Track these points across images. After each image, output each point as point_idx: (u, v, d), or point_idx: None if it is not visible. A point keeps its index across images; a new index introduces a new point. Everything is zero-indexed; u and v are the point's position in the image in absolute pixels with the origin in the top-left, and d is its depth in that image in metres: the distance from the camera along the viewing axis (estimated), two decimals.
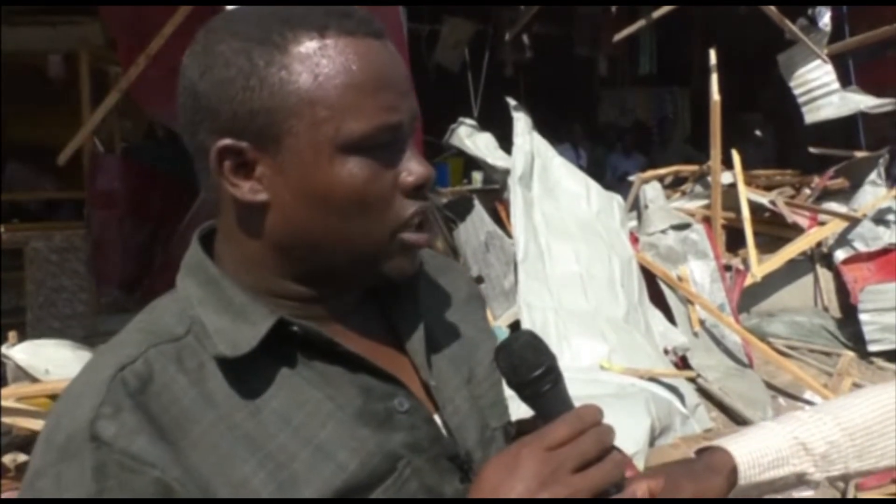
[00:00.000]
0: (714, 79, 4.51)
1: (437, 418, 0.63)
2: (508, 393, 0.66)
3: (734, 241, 4.77)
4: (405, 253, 0.61)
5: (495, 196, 4.76)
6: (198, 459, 0.54)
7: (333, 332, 0.60)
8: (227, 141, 0.57)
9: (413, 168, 0.60)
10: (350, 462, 0.57)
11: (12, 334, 2.97)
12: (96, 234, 4.19)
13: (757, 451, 0.73)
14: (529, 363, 0.58)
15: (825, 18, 4.75)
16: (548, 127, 5.28)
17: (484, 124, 4.94)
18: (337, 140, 0.57)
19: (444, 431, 0.63)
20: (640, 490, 0.65)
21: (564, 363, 3.43)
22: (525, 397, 0.59)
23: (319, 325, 0.60)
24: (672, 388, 3.31)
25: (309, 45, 0.56)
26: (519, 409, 0.67)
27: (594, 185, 4.47)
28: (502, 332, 4.04)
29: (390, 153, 0.59)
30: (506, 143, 4.49)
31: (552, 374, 0.58)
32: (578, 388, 3.12)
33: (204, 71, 0.57)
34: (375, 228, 0.59)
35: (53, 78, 5.09)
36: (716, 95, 4.50)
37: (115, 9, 3.84)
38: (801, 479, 0.75)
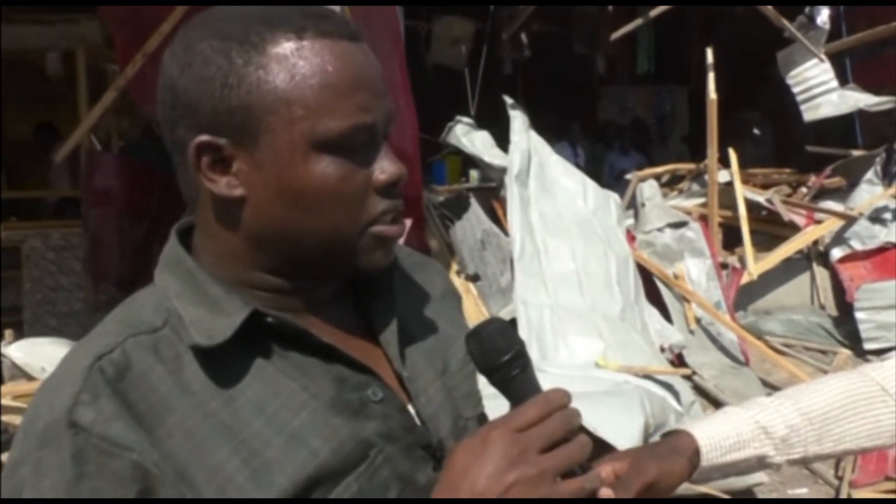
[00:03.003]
0: (711, 77, 4.52)
1: (410, 408, 0.64)
2: (492, 392, 0.67)
3: (731, 239, 4.77)
4: (378, 246, 0.62)
5: (492, 194, 4.77)
6: (174, 446, 0.55)
7: (308, 324, 0.62)
8: (205, 137, 0.58)
9: (386, 166, 0.61)
10: (322, 449, 0.58)
11: (9, 332, 2.98)
12: (93, 231, 4.20)
13: (719, 434, 0.75)
14: (499, 348, 0.59)
15: (823, 16, 4.75)
16: (546, 125, 5.29)
17: (482, 122, 4.95)
18: (312, 138, 0.58)
19: (417, 421, 0.64)
20: (604, 471, 0.67)
21: (560, 360, 3.46)
22: (495, 382, 0.60)
23: (295, 316, 0.61)
24: (667, 386, 3.32)
25: (286, 46, 0.58)
26: (504, 408, 0.68)
27: (591, 184, 4.47)
28: None
29: (364, 152, 0.60)
30: (503, 141, 4.49)
31: (521, 359, 0.60)
32: (573, 385, 3.12)
33: (184, 68, 0.59)
34: (348, 224, 0.60)
35: (51, 76, 5.10)
36: (713, 94, 4.50)
37: (113, 7, 3.84)
38: (762, 462, 0.77)
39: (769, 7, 4.63)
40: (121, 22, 3.85)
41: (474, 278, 4.21)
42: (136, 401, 0.55)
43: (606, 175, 6.50)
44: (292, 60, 0.58)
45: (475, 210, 4.32)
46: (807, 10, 4.81)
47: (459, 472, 0.55)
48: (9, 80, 5.09)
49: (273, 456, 0.57)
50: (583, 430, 0.59)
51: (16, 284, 4.50)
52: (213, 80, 0.57)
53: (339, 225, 0.60)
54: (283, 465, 0.57)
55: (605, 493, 0.62)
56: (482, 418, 0.69)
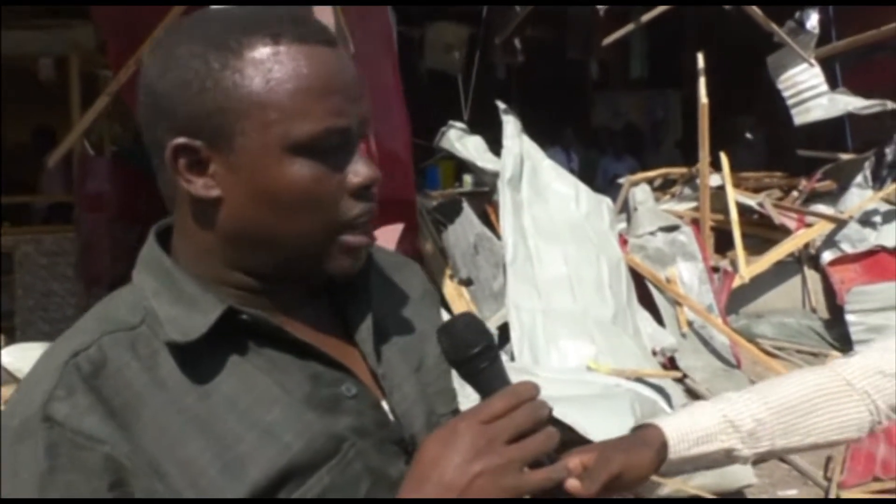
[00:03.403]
0: (702, 82, 4.55)
1: (384, 404, 0.66)
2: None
3: (723, 242, 4.80)
4: (348, 253, 0.64)
5: (485, 199, 4.78)
6: (148, 440, 0.56)
7: (283, 322, 0.63)
8: (182, 139, 0.60)
9: (360, 169, 0.62)
10: (295, 443, 0.59)
11: (1, 338, 2.98)
12: (85, 236, 4.20)
13: (686, 428, 0.77)
14: (468, 342, 0.61)
15: (812, 21, 4.79)
16: (540, 130, 5.31)
17: (476, 128, 4.97)
18: (286, 141, 0.59)
19: (391, 417, 0.65)
20: (572, 463, 0.69)
21: (552, 364, 3.46)
22: (464, 375, 0.62)
23: (270, 315, 0.63)
24: (658, 389, 3.33)
25: (262, 51, 0.59)
26: None
27: (583, 188, 4.49)
28: None
29: (339, 156, 0.62)
30: (497, 146, 4.51)
31: (490, 352, 0.61)
32: (564, 389, 3.14)
33: (163, 72, 0.60)
34: (321, 227, 0.62)
35: (45, 81, 5.11)
36: (703, 98, 4.53)
37: (106, 11, 3.85)
38: (729, 456, 0.78)
39: (758, 11, 4.66)
40: (114, 27, 3.86)
41: (467, 282, 4.21)
42: (111, 396, 0.56)
43: (600, 180, 6.52)
44: (268, 65, 0.59)
45: (468, 214, 4.34)
46: (797, 14, 4.85)
47: (428, 462, 0.56)
48: (4, 86, 5.10)
49: (246, 450, 0.58)
50: (554, 423, 0.60)
51: (8, 290, 4.49)
52: (190, 83, 0.59)
53: (312, 227, 0.61)
54: (256, 459, 0.58)
55: (572, 483, 0.63)
56: (456, 414, 0.70)
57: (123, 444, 0.55)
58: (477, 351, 0.60)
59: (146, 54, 0.63)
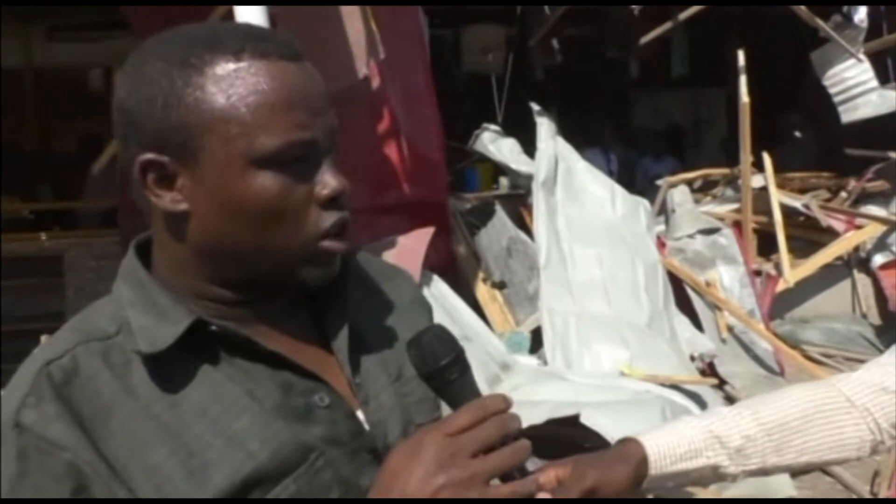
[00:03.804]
0: (743, 80, 4.43)
1: (360, 414, 0.66)
2: None
3: (767, 245, 4.65)
4: (323, 261, 0.64)
5: (521, 201, 4.75)
6: (115, 446, 0.58)
7: (257, 333, 0.64)
8: (149, 155, 0.62)
9: (328, 181, 0.63)
10: (261, 452, 0.60)
11: (45, 338, 3.10)
12: (128, 241, 4.34)
13: (670, 443, 0.75)
14: (437, 354, 0.61)
15: (861, 14, 4.60)
16: (578, 131, 5.24)
17: (511, 129, 4.94)
18: (249, 155, 0.61)
19: (366, 426, 0.66)
20: (545, 476, 0.68)
21: (585, 368, 3.40)
22: (434, 387, 0.62)
23: (243, 326, 0.64)
24: (694, 396, 3.25)
25: (225, 67, 0.61)
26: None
27: (619, 190, 4.42)
28: (524, 338, 4.02)
29: (304, 168, 0.63)
30: (533, 147, 4.48)
31: (459, 364, 0.61)
32: (594, 394, 3.09)
33: (131, 89, 0.63)
34: (291, 238, 0.63)
35: (94, 91, 5.31)
36: (745, 97, 4.41)
37: (143, 19, 3.96)
38: (716, 472, 0.76)
39: (802, 7, 4.50)
40: (150, 32, 3.98)
41: (500, 286, 4.19)
42: (80, 404, 0.59)
43: (640, 181, 6.40)
44: (229, 81, 0.61)
45: (500, 217, 4.32)
46: (844, 8, 4.67)
47: (392, 474, 0.56)
48: (56, 96, 5.32)
49: (212, 457, 0.59)
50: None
51: (59, 292, 4.68)
52: (155, 100, 0.61)
53: (281, 239, 0.62)
54: (221, 466, 0.59)
55: (544, 497, 0.62)
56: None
57: (86, 451, 0.57)
58: (446, 363, 0.60)
59: (118, 73, 0.66)
